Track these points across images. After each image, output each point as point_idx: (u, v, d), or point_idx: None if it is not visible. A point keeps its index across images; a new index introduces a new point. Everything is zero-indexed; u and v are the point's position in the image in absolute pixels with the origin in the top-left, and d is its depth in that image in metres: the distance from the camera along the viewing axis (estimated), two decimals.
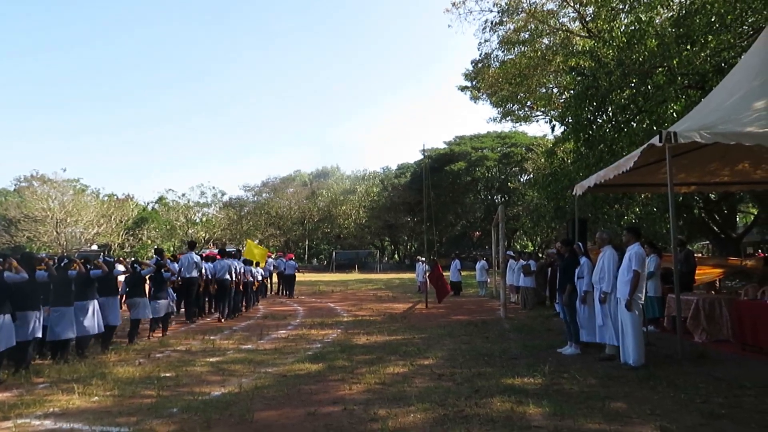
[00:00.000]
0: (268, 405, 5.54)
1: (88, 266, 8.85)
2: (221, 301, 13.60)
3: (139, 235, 56.36)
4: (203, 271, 13.32)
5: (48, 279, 7.97)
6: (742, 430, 4.42)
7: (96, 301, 8.78)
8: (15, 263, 7.29)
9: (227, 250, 18.07)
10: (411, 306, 16.43)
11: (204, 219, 62.74)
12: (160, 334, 10.82)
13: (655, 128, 11.89)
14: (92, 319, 8.61)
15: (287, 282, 21.17)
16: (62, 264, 8.69)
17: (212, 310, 14.47)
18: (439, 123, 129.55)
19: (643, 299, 7.09)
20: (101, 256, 10.85)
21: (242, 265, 14.98)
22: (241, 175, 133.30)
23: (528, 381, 6.24)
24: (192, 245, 14.25)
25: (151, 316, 10.37)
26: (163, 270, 10.97)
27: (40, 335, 7.72)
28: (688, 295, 9.27)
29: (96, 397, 5.97)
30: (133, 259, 10.78)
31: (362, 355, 8.25)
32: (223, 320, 13.18)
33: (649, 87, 13.26)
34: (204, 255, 15.27)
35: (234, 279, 13.84)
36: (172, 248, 52.64)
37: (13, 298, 7.21)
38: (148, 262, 11.01)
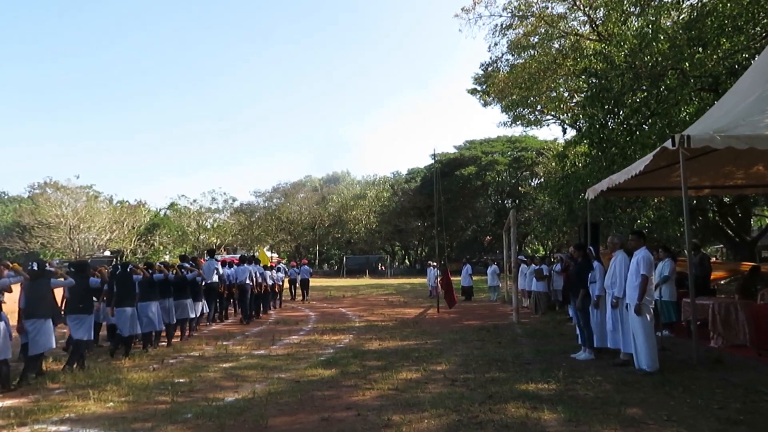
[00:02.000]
0: (281, 411, 5.55)
1: (150, 271, 9.92)
2: (242, 305, 14.29)
3: (151, 241, 56.77)
4: (224, 276, 14.05)
5: (100, 285, 8.79)
6: None
7: (158, 302, 9.82)
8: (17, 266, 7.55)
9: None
10: (422, 311, 16.40)
11: (215, 225, 63.05)
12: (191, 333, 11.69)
13: (667, 131, 11.83)
14: (155, 317, 9.67)
15: (302, 286, 22.00)
16: (128, 270, 9.48)
17: (234, 313, 15.21)
18: (449, 128, 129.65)
19: (653, 303, 7.02)
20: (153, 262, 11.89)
21: (261, 269, 15.59)
22: (252, 181, 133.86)
23: (542, 386, 6.20)
24: (212, 252, 15.15)
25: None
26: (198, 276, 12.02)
27: (90, 337, 8.49)
28: (703, 299, 9.18)
29: (111, 403, 6.01)
30: (179, 264, 11.70)
31: (375, 361, 8.24)
32: (244, 322, 13.78)
33: (661, 90, 13.20)
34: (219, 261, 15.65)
35: (253, 283, 14.52)
36: (183, 254, 52.90)
37: (69, 303, 8.14)
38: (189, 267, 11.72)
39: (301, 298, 21.68)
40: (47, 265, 8.02)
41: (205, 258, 14.39)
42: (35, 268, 7.56)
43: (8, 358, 6.88)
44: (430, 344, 9.73)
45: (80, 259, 11.22)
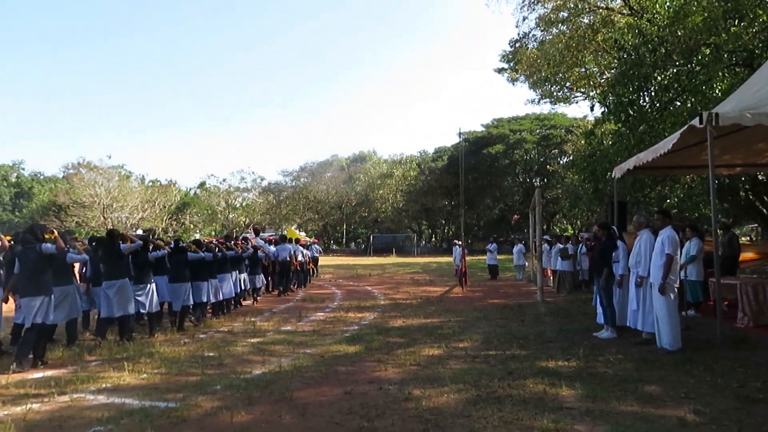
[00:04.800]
0: (306, 384, 5.74)
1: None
2: (283, 279, 15.54)
3: (182, 220, 57.87)
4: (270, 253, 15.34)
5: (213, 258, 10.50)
6: None
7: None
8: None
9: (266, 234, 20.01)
10: (447, 289, 16.51)
11: (244, 204, 63.92)
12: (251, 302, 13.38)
13: (699, 108, 11.54)
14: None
15: (314, 263, 22.79)
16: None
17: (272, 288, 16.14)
18: (477, 106, 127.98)
19: (677, 283, 6.98)
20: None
21: (299, 248, 16.77)
22: (280, 160, 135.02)
23: (562, 364, 6.27)
24: (257, 231, 17.31)
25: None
26: (259, 251, 13.84)
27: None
28: (731, 279, 9.06)
29: (145, 375, 6.29)
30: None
31: (398, 338, 8.40)
32: (284, 295, 15.08)
33: (693, 65, 12.85)
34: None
35: (293, 260, 15.91)
36: (213, 233, 53.92)
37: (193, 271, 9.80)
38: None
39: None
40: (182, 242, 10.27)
41: (253, 236, 15.76)
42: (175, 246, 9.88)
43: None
44: (453, 322, 9.84)
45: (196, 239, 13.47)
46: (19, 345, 6.93)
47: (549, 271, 16.05)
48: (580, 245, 14.36)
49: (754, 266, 13.23)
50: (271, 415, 4.74)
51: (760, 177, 17.06)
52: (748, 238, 31.63)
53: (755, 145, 9.81)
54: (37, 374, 6.41)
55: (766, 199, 18.38)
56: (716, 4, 12.78)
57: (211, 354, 7.42)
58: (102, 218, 51.01)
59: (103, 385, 5.85)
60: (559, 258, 14.70)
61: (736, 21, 12.20)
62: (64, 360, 7.18)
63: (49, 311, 6.85)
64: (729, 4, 12.32)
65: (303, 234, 35.76)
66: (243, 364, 6.80)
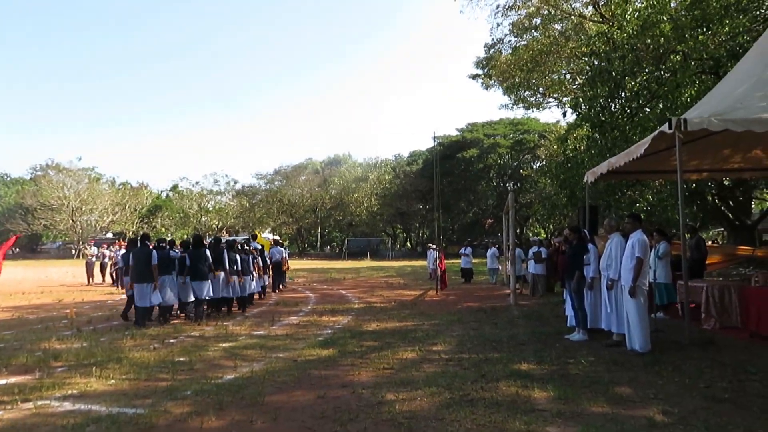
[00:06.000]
0: (279, 389, 5.67)
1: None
2: (277, 277, 17.45)
3: (153, 223, 56.99)
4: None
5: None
6: (744, 414, 4.47)
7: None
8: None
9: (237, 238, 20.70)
10: (422, 293, 16.52)
11: (217, 207, 63.23)
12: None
13: (668, 114, 11.79)
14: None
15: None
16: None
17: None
18: (451, 110, 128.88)
19: (647, 286, 7.11)
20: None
21: (287, 251, 18.49)
22: (253, 163, 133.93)
23: (534, 366, 6.32)
24: (254, 237, 18.93)
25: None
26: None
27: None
28: (698, 282, 9.25)
29: (113, 381, 6.14)
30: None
31: (372, 341, 8.36)
32: (277, 291, 17.03)
33: (662, 72, 13.14)
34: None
35: (284, 261, 18.01)
36: (186, 236, 53.21)
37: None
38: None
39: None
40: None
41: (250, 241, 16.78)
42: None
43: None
44: (427, 325, 9.85)
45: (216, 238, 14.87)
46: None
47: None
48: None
49: (720, 269, 13.55)
50: (242, 421, 4.67)
51: (725, 182, 17.53)
52: (715, 242, 32.44)
53: (721, 151, 10.08)
54: (0, 381, 6.21)
55: (731, 203, 18.90)
56: (684, 13, 13.10)
57: (181, 359, 7.28)
58: (70, 221, 49.96)
59: (69, 392, 5.69)
60: (533, 261, 14.87)
61: (704, 29, 12.53)
62: (29, 366, 6.98)
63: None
64: (697, 12, 12.63)
65: (277, 237, 35.59)
66: (214, 369, 6.69)
